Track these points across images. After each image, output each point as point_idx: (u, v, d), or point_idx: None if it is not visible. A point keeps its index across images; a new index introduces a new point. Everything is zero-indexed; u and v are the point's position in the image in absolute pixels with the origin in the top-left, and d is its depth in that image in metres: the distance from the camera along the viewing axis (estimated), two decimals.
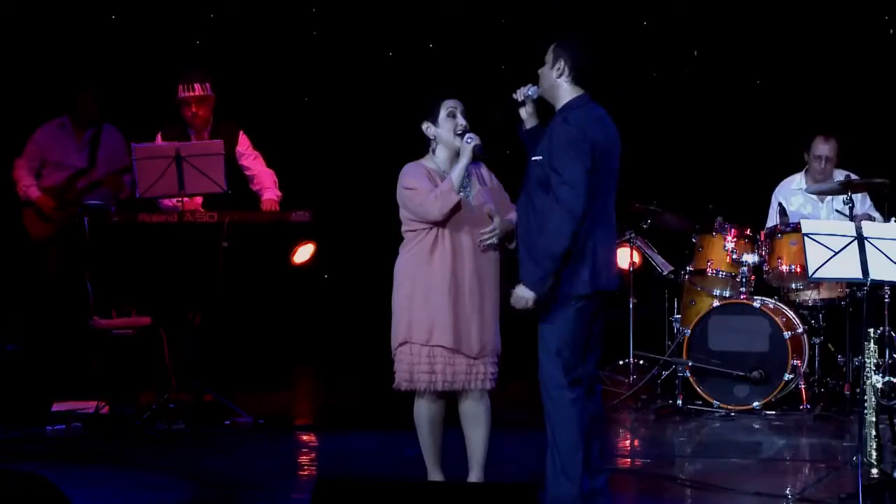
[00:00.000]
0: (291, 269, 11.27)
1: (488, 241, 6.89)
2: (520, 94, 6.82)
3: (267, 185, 9.69)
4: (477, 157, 6.87)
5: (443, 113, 6.92)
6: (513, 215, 6.95)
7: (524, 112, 6.86)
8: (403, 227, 6.95)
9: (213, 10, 12.18)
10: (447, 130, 6.92)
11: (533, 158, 6.63)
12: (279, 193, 9.66)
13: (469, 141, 6.85)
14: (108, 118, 10.37)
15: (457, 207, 6.82)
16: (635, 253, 10.58)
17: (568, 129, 6.53)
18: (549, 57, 6.71)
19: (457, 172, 6.84)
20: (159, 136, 9.64)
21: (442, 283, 6.82)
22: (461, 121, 6.91)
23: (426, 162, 6.99)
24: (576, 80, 6.69)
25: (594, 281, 6.58)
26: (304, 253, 11.13)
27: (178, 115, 9.68)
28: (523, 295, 6.56)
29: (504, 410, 7.20)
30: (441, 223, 6.84)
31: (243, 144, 9.72)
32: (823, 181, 9.96)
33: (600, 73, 6.88)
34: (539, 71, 6.75)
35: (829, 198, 10.08)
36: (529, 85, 6.80)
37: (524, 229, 6.67)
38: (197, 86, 9.60)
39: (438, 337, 6.82)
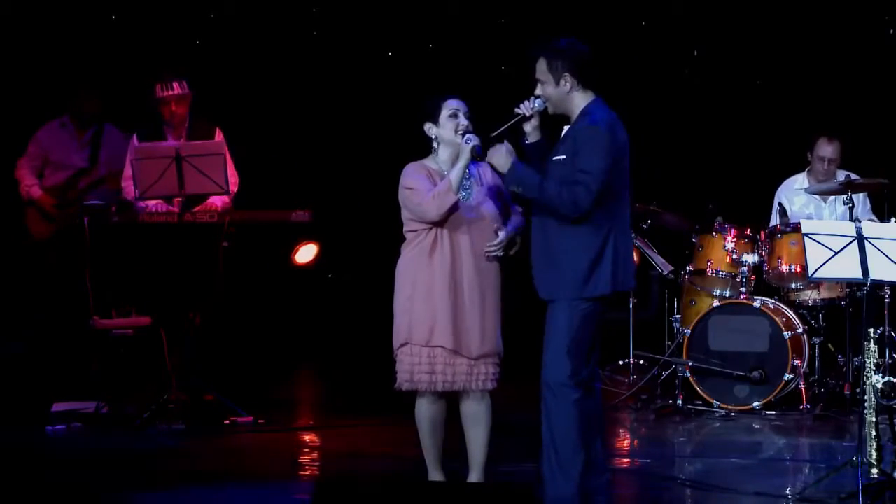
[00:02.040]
0: (294, 269, 11.30)
1: (494, 254, 6.90)
2: (526, 109, 6.71)
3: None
4: (476, 158, 6.86)
5: (444, 113, 6.92)
6: (515, 220, 6.96)
7: (529, 126, 6.78)
8: (405, 227, 6.96)
9: (214, 11, 12.18)
10: (449, 130, 6.92)
11: (554, 158, 6.63)
12: (226, 201, 9.59)
13: (468, 141, 6.84)
14: (109, 118, 10.37)
15: (454, 208, 6.82)
16: (635, 253, 10.58)
17: (597, 131, 6.53)
18: (549, 76, 6.63)
19: (455, 173, 6.84)
20: (135, 138, 9.61)
21: (442, 284, 6.82)
22: (463, 121, 6.90)
23: (428, 162, 6.99)
24: (584, 85, 6.68)
25: (614, 281, 6.60)
26: (307, 253, 11.15)
27: (153, 115, 9.66)
28: (498, 158, 6.59)
29: (505, 410, 7.19)
30: (440, 223, 6.84)
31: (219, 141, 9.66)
32: (826, 181, 9.96)
33: (602, 68, 6.86)
34: (542, 92, 6.66)
35: (833, 198, 10.08)
36: (533, 98, 6.73)
37: (540, 228, 6.67)
38: (175, 84, 9.59)
39: (438, 338, 6.82)
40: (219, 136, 9.67)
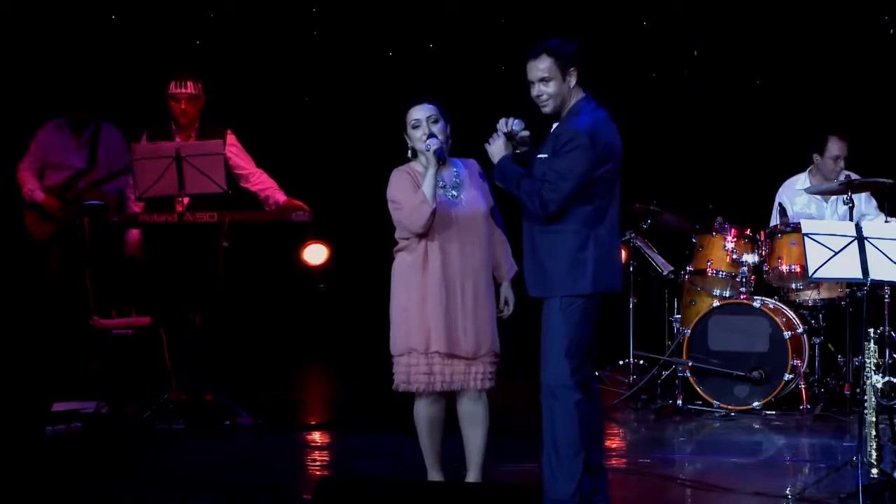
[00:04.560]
0: (305, 269, 11.33)
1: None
2: (502, 126, 6.78)
3: (272, 185, 9.66)
4: (440, 162, 6.85)
5: (409, 125, 6.93)
6: (504, 256, 7.00)
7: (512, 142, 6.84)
8: (396, 233, 6.97)
9: (213, 11, 12.18)
10: (416, 141, 6.93)
11: (538, 156, 6.65)
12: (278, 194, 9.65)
13: (427, 147, 6.84)
14: (107, 117, 10.35)
15: (434, 216, 6.80)
16: (628, 253, 10.59)
17: (578, 134, 6.55)
18: (557, 73, 6.63)
19: (426, 183, 6.83)
20: (145, 136, 9.62)
21: (435, 289, 6.82)
22: (425, 129, 6.89)
23: (415, 164, 6.99)
24: (582, 82, 6.70)
25: (595, 282, 6.60)
26: (318, 254, 11.18)
27: (165, 113, 9.67)
28: (493, 151, 6.70)
29: (503, 410, 7.19)
30: (427, 231, 6.84)
31: (232, 144, 9.68)
32: (836, 180, 9.95)
33: (599, 66, 6.87)
34: (545, 90, 6.64)
35: (834, 197, 10.07)
36: (512, 119, 6.76)
37: (528, 227, 6.70)
38: (189, 83, 9.60)
39: (435, 344, 6.83)
40: (231, 138, 9.67)
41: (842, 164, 10.03)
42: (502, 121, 6.79)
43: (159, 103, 9.70)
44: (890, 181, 9.25)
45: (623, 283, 6.92)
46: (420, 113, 6.91)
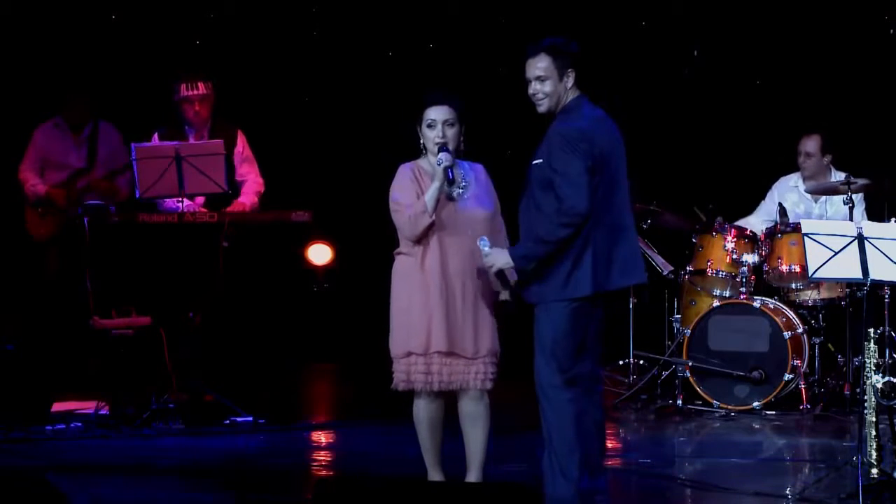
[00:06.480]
0: (308, 269, 11.33)
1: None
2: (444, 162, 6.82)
3: (247, 190, 9.69)
4: (449, 180, 6.83)
5: (424, 123, 6.92)
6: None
7: None
8: (399, 233, 6.96)
9: (213, 11, 12.18)
10: (429, 141, 6.92)
11: (533, 162, 6.64)
12: (254, 201, 9.64)
13: (440, 163, 6.82)
14: (105, 117, 10.34)
15: (430, 227, 6.80)
16: None
17: (565, 130, 6.55)
18: (554, 72, 6.64)
19: (430, 194, 6.81)
20: (156, 137, 9.64)
21: (435, 289, 6.81)
22: (440, 132, 6.88)
23: (422, 162, 6.98)
24: (579, 84, 6.70)
25: (594, 283, 6.58)
26: (322, 255, 11.20)
27: (175, 115, 9.68)
28: (499, 260, 6.62)
29: (504, 410, 7.19)
30: (430, 227, 6.83)
31: (241, 146, 9.71)
32: (811, 177, 10.03)
33: (596, 67, 6.87)
34: (539, 87, 6.66)
35: (824, 197, 10.11)
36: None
37: (527, 230, 6.68)
38: (200, 84, 9.61)
39: (435, 343, 6.83)
40: (241, 140, 9.70)
41: (809, 159, 10.10)
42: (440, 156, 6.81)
43: (159, 103, 9.69)
44: (888, 181, 9.26)
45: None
46: (436, 114, 6.88)
